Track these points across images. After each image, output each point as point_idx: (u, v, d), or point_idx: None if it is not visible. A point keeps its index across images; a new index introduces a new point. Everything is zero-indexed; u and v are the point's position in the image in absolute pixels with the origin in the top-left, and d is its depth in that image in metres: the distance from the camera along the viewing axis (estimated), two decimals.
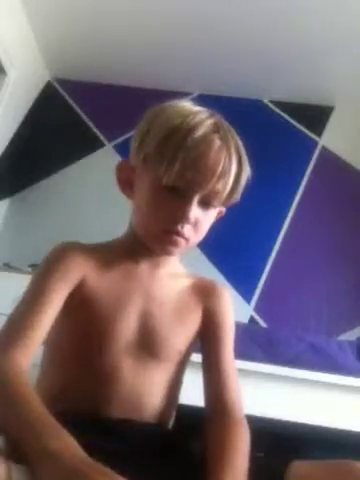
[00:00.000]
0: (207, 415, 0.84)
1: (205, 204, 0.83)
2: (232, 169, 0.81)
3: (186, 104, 0.88)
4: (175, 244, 0.83)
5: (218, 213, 0.93)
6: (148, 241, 0.87)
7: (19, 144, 2.85)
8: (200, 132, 0.80)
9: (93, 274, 0.85)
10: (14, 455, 0.57)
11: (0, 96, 2.62)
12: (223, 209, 0.94)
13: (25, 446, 0.58)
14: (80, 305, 0.83)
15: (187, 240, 0.84)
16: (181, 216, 0.80)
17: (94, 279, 0.85)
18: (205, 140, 0.80)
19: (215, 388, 0.86)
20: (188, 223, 0.81)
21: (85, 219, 2.75)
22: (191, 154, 0.78)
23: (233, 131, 0.87)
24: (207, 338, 0.91)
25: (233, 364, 0.90)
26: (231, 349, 0.92)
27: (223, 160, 0.80)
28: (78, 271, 0.84)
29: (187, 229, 0.82)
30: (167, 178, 0.79)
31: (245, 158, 0.85)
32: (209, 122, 0.82)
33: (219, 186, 0.80)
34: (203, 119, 0.82)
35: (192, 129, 0.79)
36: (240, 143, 0.86)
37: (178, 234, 0.82)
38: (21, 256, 2.53)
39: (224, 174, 0.80)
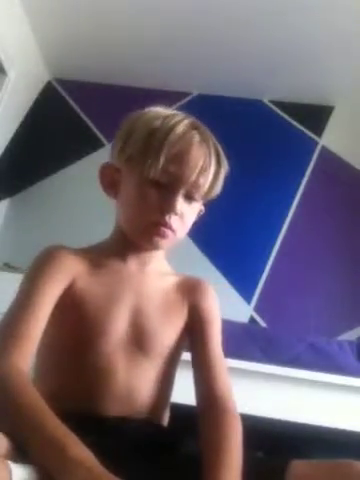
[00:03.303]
0: (199, 410, 0.85)
1: (189, 198, 0.88)
2: (212, 164, 0.86)
3: (162, 108, 0.94)
4: (163, 235, 0.86)
5: (198, 211, 0.96)
6: (136, 236, 0.89)
7: (19, 144, 2.85)
8: (180, 129, 0.86)
9: (83, 275, 0.87)
10: (13, 454, 0.57)
11: (0, 96, 2.62)
12: (202, 208, 0.98)
13: (45, 455, 0.59)
14: (71, 306, 0.84)
15: (174, 232, 0.87)
16: (168, 207, 0.84)
17: (84, 280, 0.86)
18: (186, 136, 0.86)
19: (205, 382, 0.87)
20: (175, 214, 0.85)
21: (85, 219, 2.74)
22: (174, 149, 0.84)
23: (209, 131, 0.92)
24: (194, 333, 0.92)
25: (221, 357, 0.91)
26: (218, 343, 0.93)
27: (204, 154, 0.86)
28: (68, 273, 0.85)
29: (174, 220, 0.86)
30: (153, 172, 0.83)
31: (223, 155, 0.90)
32: (187, 121, 0.88)
33: (201, 180, 0.85)
34: (181, 119, 0.88)
35: (172, 127, 0.86)
36: (216, 142, 0.91)
37: (166, 225, 0.85)
38: (21, 256, 2.51)
39: (205, 168, 0.86)
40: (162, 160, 0.83)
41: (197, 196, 0.88)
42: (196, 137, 0.87)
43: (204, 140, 0.88)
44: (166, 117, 0.88)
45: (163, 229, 0.85)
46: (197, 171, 0.85)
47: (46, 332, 0.81)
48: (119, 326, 0.85)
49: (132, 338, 0.86)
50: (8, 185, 2.86)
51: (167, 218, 0.85)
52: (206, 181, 0.86)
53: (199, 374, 0.89)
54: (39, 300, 0.81)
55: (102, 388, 0.82)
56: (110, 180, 0.93)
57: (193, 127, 0.88)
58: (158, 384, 0.87)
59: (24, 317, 0.78)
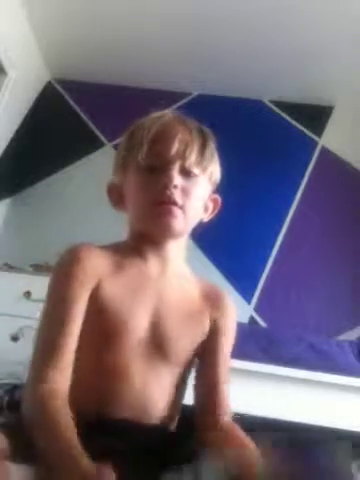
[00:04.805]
0: (200, 431, 0.86)
1: (185, 173, 0.89)
2: (194, 136, 0.90)
3: None
4: (170, 213, 0.86)
5: (214, 203, 0.98)
6: (148, 227, 0.89)
7: (19, 144, 2.85)
8: (157, 115, 0.93)
9: (107, 275, 0.86)
10: (12, 455, 0.57)
11: (0, 96, 2.62)
12: (218, 198, 0.98)
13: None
14: (96, 307, 0.83)
15: (181, 208, 0.87)
16: (165, 183, 0.86)
17: (108, 281, 0.86)
18: (162, 117, 0.92)
19: (207, 406, 0.89)
20: (174, 187, 0.86)
21: (85, 219, 2.75)
22: (152, 130, 0.89)
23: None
24: (208, 347, 0.92)
25: (227, 378, 0.92)
26: (228, 360, 0.93)
27: (182, 128, 0.90)
28: (95, 275, 0.85)
29: (177, 195, 0.86)
30: (141, 157, 0.87)
31: (207, 131, 0.94)
32: (162, 112, 0.95)
33: (187, 151, 0.88)
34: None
35: (149, 118, 0.93)
36: (198, 123, 0.95)
37: (169, 201, 0.86)
38: (21, 256, 2.53)
39: (187, 139, 0.89)
40: (145, 144, 0.88)
41: (191, 168, 0.89)
42: (171, 116, 0.93)
43: (181, 118, 0.93)
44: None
45: (168, 206, 0.86)
46: (178, 142, 0.88)
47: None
48: (139, 327, 0.85)
49: (152, 341, 0.85)
50: (8, 185, 2.86)
51: (168, 193, 0.86)
52: (192, 151, 0.88)
53: (202, 385, 0.91)
54: (72, 309, 0.81)
55: (117, 389, 0.82)
56: (117, 196, 0.95)
57: (168, 112, 0.95)
58: (173, 390, 0.87)
59: (60, 331, 0.79)
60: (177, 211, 0.86)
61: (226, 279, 2.60)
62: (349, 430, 1.69)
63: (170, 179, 0.86)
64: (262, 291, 2.64)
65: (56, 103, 3.09)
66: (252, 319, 2.59)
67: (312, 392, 1.77)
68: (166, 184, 0.85)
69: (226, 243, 2.66)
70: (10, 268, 2.43)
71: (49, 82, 3.13)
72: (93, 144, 2.98)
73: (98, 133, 3.01)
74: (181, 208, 0.87)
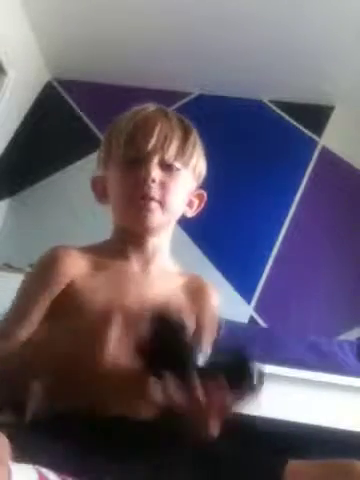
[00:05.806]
0: None
1: (166, 167, 0.87)
2: (174, 127, 0.88)
3: None
4: (148, 208, 0.86)
5: (199, 199, 0.96)
6: (126, 220, 0.90)
7: (19, 144, 2.85)
8: (134, 109, 0.92)
9: (84, 275, 0.86)
10: (13, 454, 0.57)
11: (0, 96, 2.62)
12: (203, 193, 0.97)
13: None
14: (71, 308, 0.84)
15: (159, 203, 0.86)
16: (143, 177, 0.85)
17: (85, 280, 0.86)
18: (141, 111, 0.91)
19: None
20: (153, 182, 0.85)
21: (85, 219, 2.74)
22: (131, 124, 0.88)
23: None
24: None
25: None
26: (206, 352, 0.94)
27: (161, 121, 0.88)
28: (65, 275, 0.85)
29: (154, 190, 0.86)
30: (121, 152, 0.87)
31: (188, 123, 0.92)
32: (143, 105, 0.93)
33: (166, 143, 0.86)
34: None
35: (130, 111, 0.92)
36: (179, 114, 0.94)
37: (146, 196, 0.85)
38: (21, 256, 2.52)
39: (166, 131, 0.87)
40: (123, 137, 0.87)
41: (171, 161, 0.88)
42: (151, 108, 0.91)
43: (161, 110, 0.91)
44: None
45: (145, 201, 0.85)
46: (157, 135, 0.86)
47: (48, 335, 0.83)
48: (121, 327, 0.84)
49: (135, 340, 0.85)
50: (8, 185, 2.86)
51: (145, 188, 0.85)
52: (171, 144, 0.87)
53: None
54: (29, 306, 0.84)
55: (103, 390, 0.81)
56: (101, 189, 0.95)
57: (149, 105, 0.93)
58: None
59: (18, 315, 0.84)
60: (154, 206, 0.86)
61: (226, 279, 2.60)
62: (349, 430, 1.69)
63: (148, 173, 0.85)
64: (262, 291, 2.64)
65: (56, 103, 3.09)
66: (252, 319, 2.59)
67: (312, 392, 1.77)
68: (144, 178, 0.85)
69: (225, 242, 2.67)
70: (10, 268, 2.43)
71: (49, 82, 3.12)
72: (93, 144, 2.96)
73: (98, 133, 3.01)
74: (159, 203, 0.86)
